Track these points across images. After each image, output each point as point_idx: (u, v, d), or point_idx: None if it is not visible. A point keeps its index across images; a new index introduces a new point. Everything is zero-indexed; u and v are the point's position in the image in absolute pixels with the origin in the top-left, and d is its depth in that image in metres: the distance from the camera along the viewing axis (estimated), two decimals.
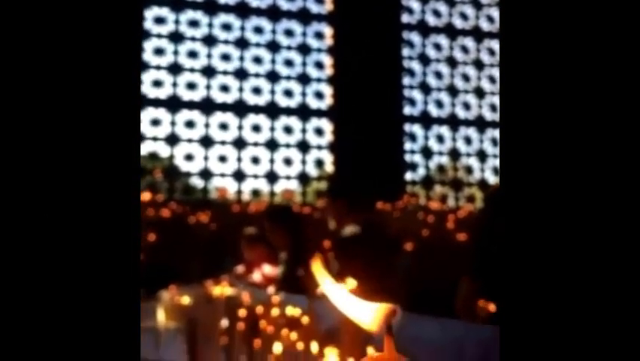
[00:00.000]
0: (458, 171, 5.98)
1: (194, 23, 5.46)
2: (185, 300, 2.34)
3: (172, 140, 5.25)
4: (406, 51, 5.91)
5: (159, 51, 5.34)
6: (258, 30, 5.61)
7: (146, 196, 4.76)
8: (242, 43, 5.53)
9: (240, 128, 5.40)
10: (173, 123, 5.27)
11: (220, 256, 3.97)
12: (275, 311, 1.75)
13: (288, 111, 5.55)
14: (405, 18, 5.97)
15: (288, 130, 5.52)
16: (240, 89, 5.46)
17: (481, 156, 5.99)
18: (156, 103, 5.25)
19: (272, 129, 5.47)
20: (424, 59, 5.98)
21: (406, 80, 5.86)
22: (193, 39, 5.43)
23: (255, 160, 5.40)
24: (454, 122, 5.97)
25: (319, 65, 5.71)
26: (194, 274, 3.22)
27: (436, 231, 4.78)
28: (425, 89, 5.93)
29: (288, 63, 5.64)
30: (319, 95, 5.65)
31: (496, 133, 5.97)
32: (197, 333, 2.19)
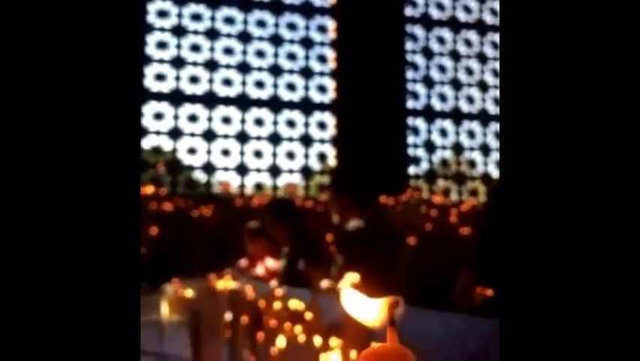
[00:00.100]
0: (461, 164, 5.97)
1: (196, 17, 5.45)
2: (189, 293, 2.35)
3: (175, 134, 5.25)
4: (409, 44, 5.89)
5: (162, 45, 5.33)
6: (261, 23, 5.60)
7: (149, 190, 4.77)
8: (244, 37, 5.52)
9: (243, 122, 5.40)
10: (175, 117, 5.27)
11: (223, 249, 3.98)
12: (278, 305, 1.76)
13: (291, 105, 5.54)
14: (408, 11, 5.95)
15: (290, 124, 5.52)
16: (243, 83, 5.45)
17: (485, 149, 5.98)
18: (159, 97, 5.25)
19: (275, 123, 5.47)
20: (428, 53, 5.96)
21: (409, 74, 5.84)
22: (196, 33, 5.42)
23: (258, 154, 5.40)
24: (457, 115, 5.95)
25: (322, 59, 5.70)
26: (197, 267, 3.23)
27: (439, 225, 4.78)
28: (428, 82, 5.91)
29: (291, 57, 5.62)
30: (322, 89, 5.64)
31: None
32: (201, 326, 2.20)
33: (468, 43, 6.12)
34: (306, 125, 5.54)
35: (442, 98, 5.94)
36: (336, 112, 5.61)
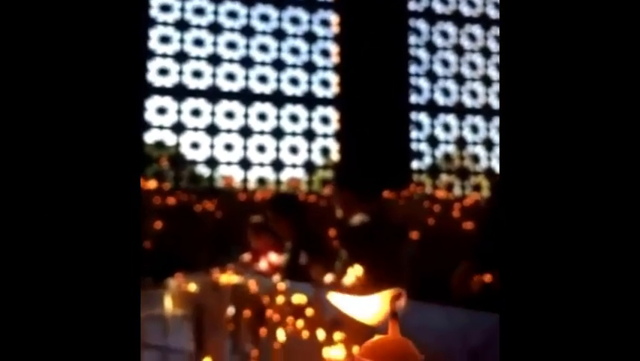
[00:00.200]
0: (464, 159, 5.96)
1: (199, 11, 5.44)
2: (192, 288, 2.36)
3: (178, 128, 5.25)
4: (412, 39, 5.87)
5: (165, 39, 5.33)
6: (264, 18, 5.58)
7: (152, 185, 4.78)
8: (248, 31, 5.51)
9: (246, 116, 5.40)
10: (179, 112, 5.27)
11: (226, 244, 3.99)
12: (280, 299, 1.76)
13: (294, 99, 5.54)
14: (412, 5, 5.92)
15: (294, 118, 5.51)
16: (246, 78, 5.45)
17: (488, 144, 5.96)
18: (162, 91, 5.25)
19: (278, 118, 5.47)
20: (431, 47, 5.94)
21: (413, 68, 5.82)
22: (199, 27, 5.42)
23: (261, 148, 5.40)
24: (460, 110, 5.93)
25: (325, 53, 5.69)
26: (200, 262, 3.24)
27: (442, 220, 4.78)
28: (432, 77, 5.89)
29: (294, 51, 5.61)
30: (325, 84, 5.63)
31: None
32: (204, 320, 2.21)
33: (472, 37, 6.09)
34: (309, 119, 5.54)
35: (446, 92, 5.92)
36: (339, 107, 5.60)
